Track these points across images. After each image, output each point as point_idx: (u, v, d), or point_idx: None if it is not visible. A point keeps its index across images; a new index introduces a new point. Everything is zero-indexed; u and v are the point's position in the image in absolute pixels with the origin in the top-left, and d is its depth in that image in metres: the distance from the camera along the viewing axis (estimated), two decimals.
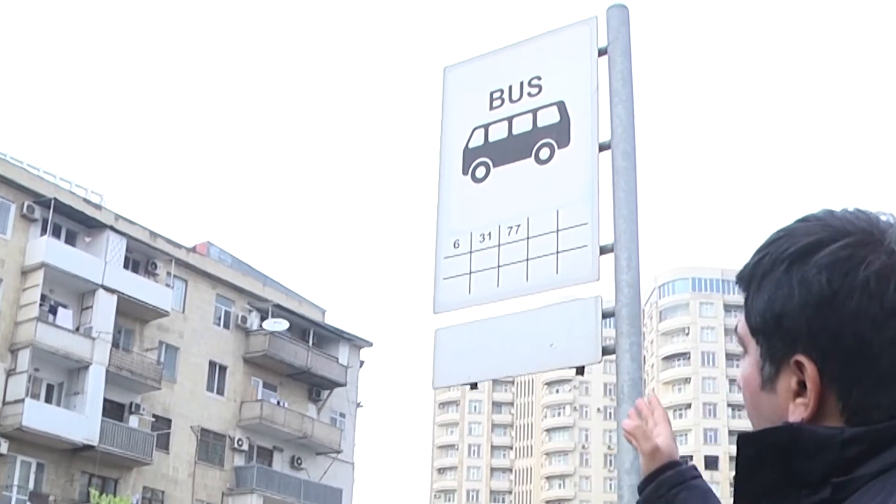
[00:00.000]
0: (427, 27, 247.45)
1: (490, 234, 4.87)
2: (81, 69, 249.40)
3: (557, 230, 4.68)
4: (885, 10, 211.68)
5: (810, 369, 1.21)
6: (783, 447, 1.19)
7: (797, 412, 1.22)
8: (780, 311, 1.23)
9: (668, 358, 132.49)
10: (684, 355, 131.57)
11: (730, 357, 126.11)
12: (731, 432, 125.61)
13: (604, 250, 4.56)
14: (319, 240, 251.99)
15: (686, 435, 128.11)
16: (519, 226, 4.80)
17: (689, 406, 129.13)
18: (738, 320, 1.32)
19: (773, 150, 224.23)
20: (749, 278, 1.29)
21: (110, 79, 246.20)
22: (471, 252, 4.90)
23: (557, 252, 4.64)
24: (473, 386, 4.75)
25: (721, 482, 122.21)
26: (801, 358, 1.21)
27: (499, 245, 4.83)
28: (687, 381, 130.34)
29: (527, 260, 4.72)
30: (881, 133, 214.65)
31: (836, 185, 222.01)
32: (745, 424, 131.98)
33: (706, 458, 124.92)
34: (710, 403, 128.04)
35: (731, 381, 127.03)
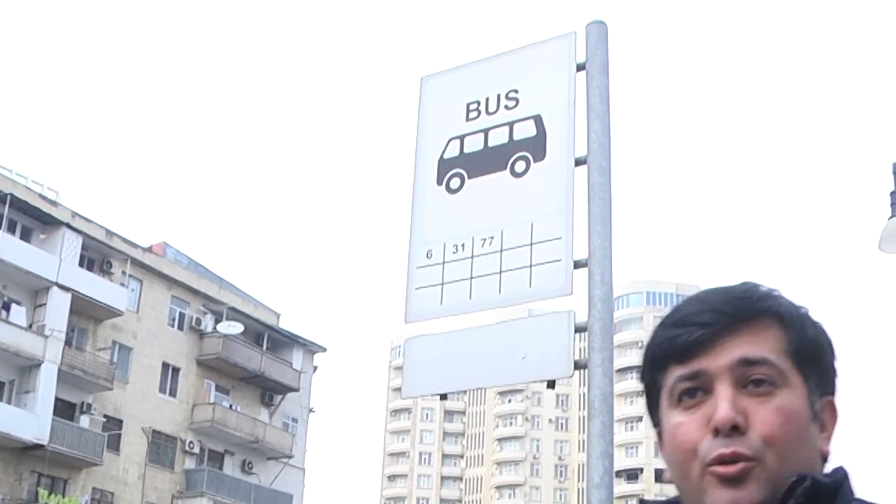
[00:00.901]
0: (404, 37, 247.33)
1: (463, 245, 4.87)
2: (39, 65, 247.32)
3: (531, 243, 4.68)
4: (848, 35, 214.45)
5: (835, 408, 1.37)
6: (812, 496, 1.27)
7: (824, 446, 1.35)
8: (825, 354, 1.37)
9: (622, 371, 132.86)
10: (637, 368, 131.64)
11: None
12: None
13: (577, 265, 4.57)
14: (276, 244, 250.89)
15: (637, 447, 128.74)
16: (493, 238, 4.80)
17: (640, 419, 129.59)
18: (766, 349, 1.34)
19: (729, 171, 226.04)
20: (788, 314, 1.37)
21: (69, 74, 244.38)
22: (443, 263, 4.90)
23: (531, 265, 4.65)
24: (443, 396, 4.75)
25: (671, 495, 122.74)
26: (832, 399, 1.37)
27: (472, 256, 4.82)
28: (639, 394, 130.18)
29: (500, 272, 4.72)
30: (826, 159, 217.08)
31: (785, 205, 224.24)
32: None
33: (656, 470, 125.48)
34: None
35: None
